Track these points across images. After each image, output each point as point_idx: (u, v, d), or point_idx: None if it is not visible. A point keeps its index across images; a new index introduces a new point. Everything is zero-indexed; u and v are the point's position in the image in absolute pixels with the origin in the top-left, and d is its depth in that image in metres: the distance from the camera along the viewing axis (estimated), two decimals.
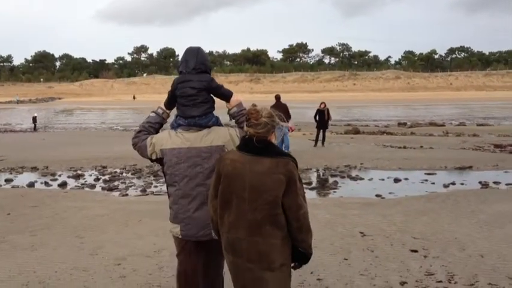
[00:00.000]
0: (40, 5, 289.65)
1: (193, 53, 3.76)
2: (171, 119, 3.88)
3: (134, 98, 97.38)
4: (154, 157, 3.74)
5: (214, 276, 3.84)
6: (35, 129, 32.32)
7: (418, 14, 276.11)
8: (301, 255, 3.19)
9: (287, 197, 3.02)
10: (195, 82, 3.65)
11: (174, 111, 3.86)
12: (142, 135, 3.81)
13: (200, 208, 3.62)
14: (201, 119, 3.65)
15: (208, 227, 3.55)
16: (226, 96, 3.76)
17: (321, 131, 18.48)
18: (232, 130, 3.68)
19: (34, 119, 33.64)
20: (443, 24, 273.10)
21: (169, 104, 3.86)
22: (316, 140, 18.62)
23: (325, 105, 18.47)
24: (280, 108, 16.40)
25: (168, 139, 3.67)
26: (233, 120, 3.82)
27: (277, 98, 16.54)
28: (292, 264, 3.21)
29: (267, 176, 3.00)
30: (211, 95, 3.72)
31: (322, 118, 18.32)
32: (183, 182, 3.64)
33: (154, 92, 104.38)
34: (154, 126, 3.87)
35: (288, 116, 16.51)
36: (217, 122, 3.71)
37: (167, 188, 3.81)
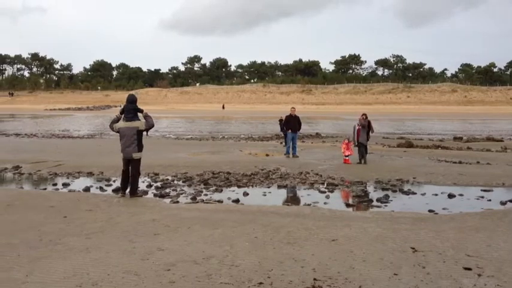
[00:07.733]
0: (103, 14, 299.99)
1: (131, 96, 11.27)
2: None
3: (223, 107, 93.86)
4: (115, 130, 11.08)
5: (135, 171, 11.03)
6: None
7: (484, 25, 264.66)
8: None
9: None
10: (131, 106, 10.97)
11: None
12: (113, 123, 11.11)
13: (128, 147, 10.87)
14: (132, 118, 10.91)
15: (130, 154, 10.90)
16: (141, 111, 11.01)
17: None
18: (142, 122, 10.97)
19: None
20: (504, 36, 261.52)
21: (122, 113, 11.02)
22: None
23: (366, 117, 18.12)
24: (293, 118, 19.68)
25: (120, 124, 10.98)
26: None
27: (292, 110, 20.02)
28: None
29: None
30: (136, 111, 11.04)
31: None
32: (124, 139, 10.85)
33: (206, 102, 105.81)
34: (116, 120, 11.08)
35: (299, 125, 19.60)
36: (138, 119, 11.00)
37: (120, 141, 11.07)
